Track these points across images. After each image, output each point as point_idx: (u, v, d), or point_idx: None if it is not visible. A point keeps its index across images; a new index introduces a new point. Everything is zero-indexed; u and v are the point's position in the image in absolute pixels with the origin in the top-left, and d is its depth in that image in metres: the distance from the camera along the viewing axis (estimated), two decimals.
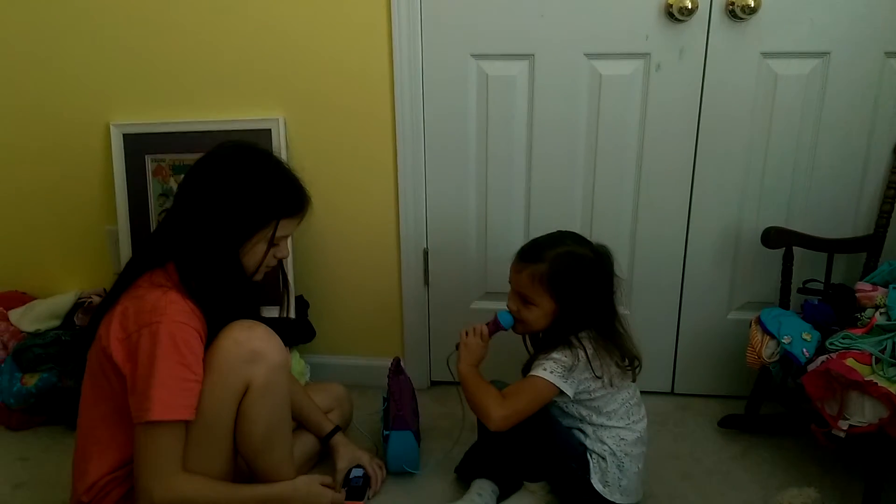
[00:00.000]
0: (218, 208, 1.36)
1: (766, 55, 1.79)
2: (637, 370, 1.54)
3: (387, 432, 1.72)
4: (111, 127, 2.01)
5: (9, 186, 2.14)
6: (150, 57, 1.97)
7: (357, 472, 1.68)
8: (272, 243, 1.43)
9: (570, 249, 1.49)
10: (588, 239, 1.55)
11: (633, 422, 1.55)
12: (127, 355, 1.30)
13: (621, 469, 1.51)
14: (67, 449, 1.84)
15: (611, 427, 1.52)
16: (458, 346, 1.58)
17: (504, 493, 1.61)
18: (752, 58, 1.80)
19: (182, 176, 1.98)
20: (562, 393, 1.47)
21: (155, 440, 1.28)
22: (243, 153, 1.43)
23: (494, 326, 1.56)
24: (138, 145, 2.02)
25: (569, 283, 1.47)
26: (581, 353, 1.46)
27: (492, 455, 1.63)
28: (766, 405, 1.88)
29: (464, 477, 1.68)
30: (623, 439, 1.52)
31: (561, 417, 1.56)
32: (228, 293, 1.40)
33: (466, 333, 1.57)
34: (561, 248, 1.49)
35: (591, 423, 1.53)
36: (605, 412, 1.53)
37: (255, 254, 1.42)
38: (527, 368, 1.55)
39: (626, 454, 1.51)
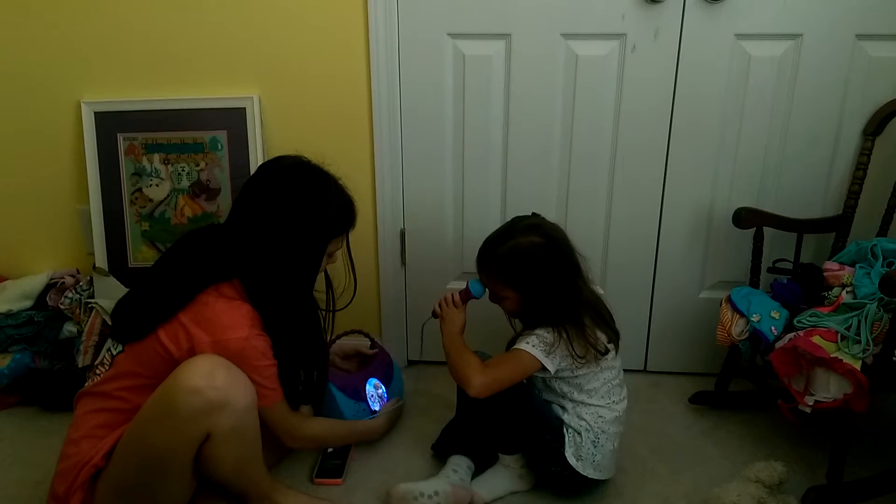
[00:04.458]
0: (289, 242, 1.45)
1: (739, 37, 1.81)
2: (616, 343, 1.57)
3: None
4: (82, 105, 1.98)
5: None
6: (123, 34, 1.93)
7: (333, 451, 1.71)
8: (329, 255, 1.55)
9: (515, 243, 1.53)
10: (543, 222, 1.57)
11: (614, 402, 1.58)
12: None
13: (596, 445, 1.54)
14: (41, 429, 1.84)
15: (591, 405, 1.55)
16: (434, 314, 1.64)
17: (480, 469, 1.64)
18: (726, 39, 1.81)
19: (155, 155, 1.99)
20: (544, 368, 1.50)
21: (276, 412, 1.49)
22: (305, 179, 1.48)
23: (466, 295, 1.62)
24: (110, 123, 1.98)
25: (521, 274, 1.52)
26: (563, 333, 1.50)
27: (468, 431, 1.65)
28: (736, 382, 1.92)
29: (440, 454, 1.70)
30: (601, 417, 1.55)
31: (544, 392, 1.60)
32: (296, 307, 1.51)
33: (441, 306, 1.64)
34: (509, 243, 1.53)
35: (571, 400, 1.56)
36: (587, 390, 1.56)
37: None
38: (511, 343, 1.60)
39: (602, 431, 1.54)
